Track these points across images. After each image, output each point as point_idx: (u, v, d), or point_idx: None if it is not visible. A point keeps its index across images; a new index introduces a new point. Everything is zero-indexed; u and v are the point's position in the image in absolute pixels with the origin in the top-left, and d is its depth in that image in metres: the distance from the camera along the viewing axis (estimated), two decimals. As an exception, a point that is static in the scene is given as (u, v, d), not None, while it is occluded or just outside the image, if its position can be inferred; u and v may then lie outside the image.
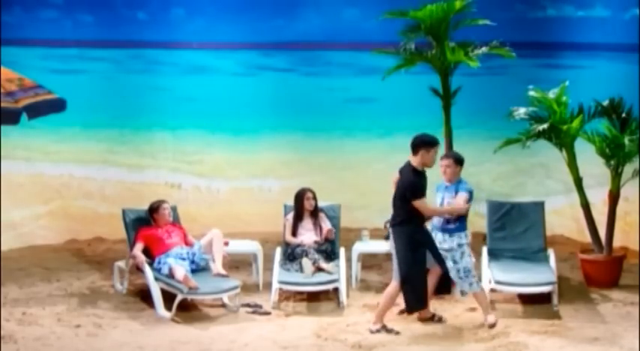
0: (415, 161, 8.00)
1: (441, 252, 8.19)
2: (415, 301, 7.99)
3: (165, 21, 11.61)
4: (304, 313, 8.70)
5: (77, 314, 8.57)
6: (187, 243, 9.20)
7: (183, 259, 8.86)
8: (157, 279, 8.70)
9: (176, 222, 9.47)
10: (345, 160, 11.79)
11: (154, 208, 9.28)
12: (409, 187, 7.92)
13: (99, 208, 11.55)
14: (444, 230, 8.30)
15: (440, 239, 8.30)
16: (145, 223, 9.29)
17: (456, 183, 8.35)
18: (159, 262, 8.86)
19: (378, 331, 8.01)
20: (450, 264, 8.17)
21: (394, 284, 8.04)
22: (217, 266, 8.86)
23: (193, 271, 8.79)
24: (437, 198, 8.41)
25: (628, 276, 9.55)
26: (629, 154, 9.35)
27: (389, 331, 8.00)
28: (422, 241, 8.00)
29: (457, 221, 8.24)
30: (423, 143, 7.99)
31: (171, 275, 8.61)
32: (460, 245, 8.22)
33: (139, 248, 9.00)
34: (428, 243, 8.06)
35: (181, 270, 8.56)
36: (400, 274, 7.94)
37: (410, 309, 8.16)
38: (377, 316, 8.10)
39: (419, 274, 7.93)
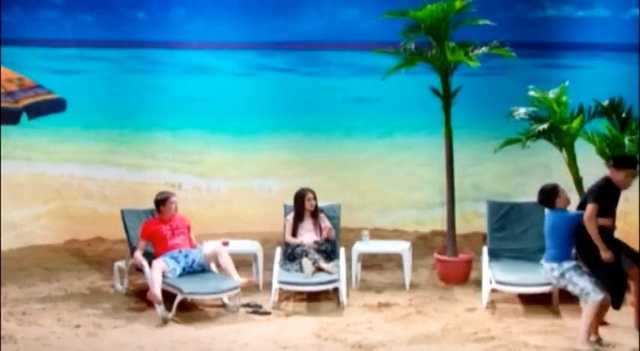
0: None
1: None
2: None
3: (166, 21, 11.61)
4: (304, 313, 8.70)
5: (77, 314, 8.58)
6: (190, 240, 9.19)
7: (178, 262, 8.83)
8: (157, 279, 8.71)
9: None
10: (344, 160, 11.79)
11: (161, 200, 9.14)
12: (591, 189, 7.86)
13: (99, 208, 11.55)
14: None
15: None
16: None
17: None
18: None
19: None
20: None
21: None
22: (237, 278, 8.79)
23: (192, 273, 8.79)
24: None
25: (628, 276, 9.55)
26: (629, 154, 9.34)
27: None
28: (616, 243, 7.80)
29: None
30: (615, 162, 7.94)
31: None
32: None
33: (141, 247, 8.96)
34: (621, 246, 7.87)
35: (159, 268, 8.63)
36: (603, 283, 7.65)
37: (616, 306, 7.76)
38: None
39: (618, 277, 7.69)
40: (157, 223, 9.11)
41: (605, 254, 7.59)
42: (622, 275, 7.75)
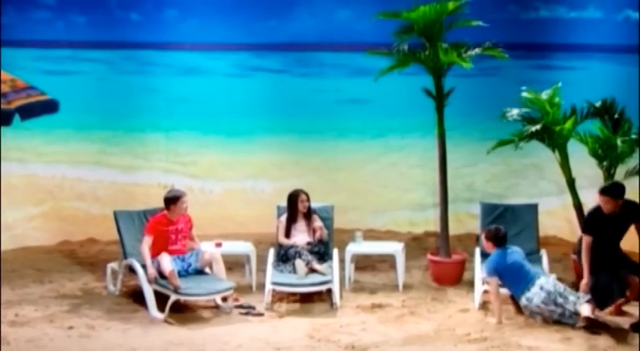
0: None
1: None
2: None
3: (159, 22, 11.60)
4: (297, 314, 8.69)
5: (70, 316, 8.56)
6: (192, 238, 9.15)
7: (175, 264, 8.80)
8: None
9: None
10: (338, 161, 11.80)
11: (172, 199, 8.97)
12: None
13: (92, 210, 11.53)
14: None
15: None
16: (138, 223, 9.25)
17: None
18: (152, 263, 8.79)
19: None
20: None
21: None
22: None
23: (185, 275, 8.79)
24: None
25: (621, 277, 9.56)
26: (622, 155, 9.36)
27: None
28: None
29: None
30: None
31: (159, 270, 8.60)
32: None
33: (148, 243, 8.82)
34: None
35: (169, 264, 8.55)
36: None
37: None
38: None
39: None
40: (165, 224, 8.95)
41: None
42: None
